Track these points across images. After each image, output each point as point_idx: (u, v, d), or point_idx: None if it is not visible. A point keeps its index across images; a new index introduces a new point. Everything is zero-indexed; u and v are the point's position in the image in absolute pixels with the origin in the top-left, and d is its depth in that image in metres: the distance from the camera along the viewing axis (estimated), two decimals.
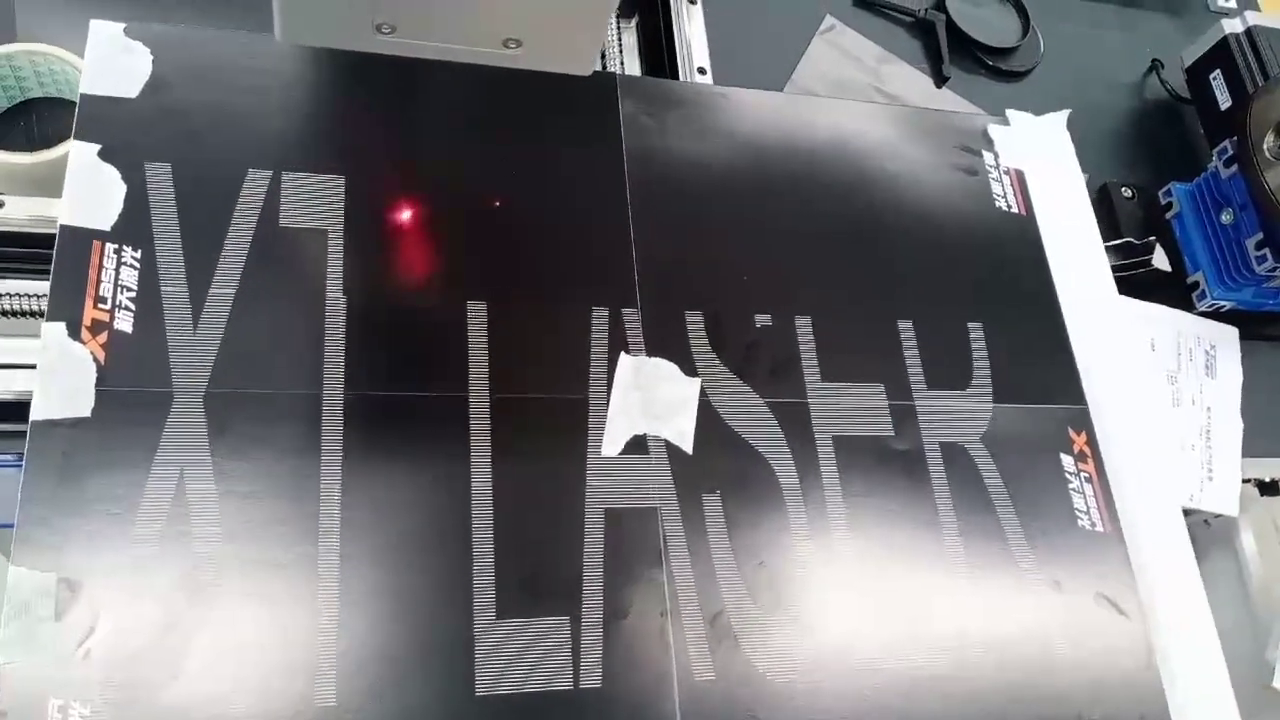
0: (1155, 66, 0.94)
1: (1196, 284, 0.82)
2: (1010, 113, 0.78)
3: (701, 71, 0.76)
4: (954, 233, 0.71)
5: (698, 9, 0.78)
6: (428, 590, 0.51)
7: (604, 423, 0.57)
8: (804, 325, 0.64)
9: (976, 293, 0.69)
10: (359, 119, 0.61)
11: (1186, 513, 0.81)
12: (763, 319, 0.63)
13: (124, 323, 0.53)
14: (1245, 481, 0.78)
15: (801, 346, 0.63)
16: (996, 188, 0.73)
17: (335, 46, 0.44)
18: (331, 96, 0.61)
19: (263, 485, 0.51)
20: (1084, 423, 0.67)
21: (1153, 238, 0.82)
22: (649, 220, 0.63)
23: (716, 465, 0.58)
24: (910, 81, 0.82)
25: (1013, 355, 0.67)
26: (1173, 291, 0.82)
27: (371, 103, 0.62)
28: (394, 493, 0.52)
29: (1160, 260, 0.81)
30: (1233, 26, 0.86)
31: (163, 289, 0.54)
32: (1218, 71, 0.86)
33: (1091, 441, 0.66)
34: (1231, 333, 0.83)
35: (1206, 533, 0.85)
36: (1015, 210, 0.73)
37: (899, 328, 0.65)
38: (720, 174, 0.67)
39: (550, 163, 0.64)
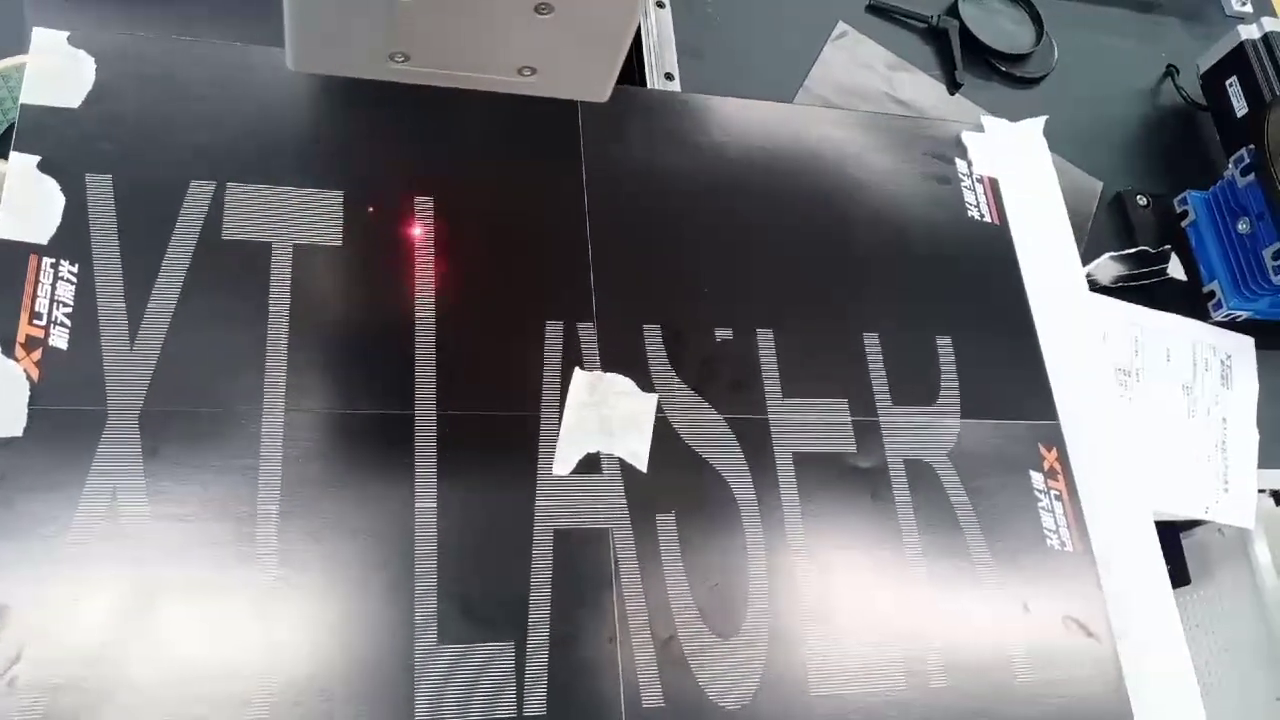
0: (1170, 73, 0.93)
1: (1212, 293, 0.81)
2: (985, 119, 0.76)
3: (669, 77, 0.74)
4: (924, 243, 0.69)
5: (666, 13, 0.77)
6: (368, 615, 0.50)
7: (556, 441, 0.56)
8: (766, 339, 0.62)
9: (946, 304, 0.67)
10: (308, 129, 0.60)
11: (1200, 523, 0.80)
12: (723, 333, 0.62)
13: (59, 339, 0.51)
14: (1261, 492, 0.77)
15: (763, 361, 0.62)
16: (969, 196, 0.72)
17: (348, 75, 0.43)
18: (280, 106, 0.60)
19: (198, 507, 0.50)
20: (1055, 439, 0.65)
21: (1168, 246, 0.81)
22: (607, 232, 0.62)
23: (672, 484, 0.57)
24: (923, 88, 0.81)
25: (983, 369, 0.66)
26: (1188, 301, 0.81)
27: (321, 113, 0.60)
28: (334, 515, 0.51)
29: (1175, 269, 0.80)
30: (1249, 33, 0.84)
31: (99, 304, 0.52)
32: (1234, 78, 0.84)
33: (1063, 458, 0.65)
34: (1247, 343, 0.82)
35: (1221, 543, 0.84)
36: (988, 219, 0.71)
37: (864, 341, 0.64)
38: (683, 184, 0.66)
39: (505, 172, 0.62)
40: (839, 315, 0.65)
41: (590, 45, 0.42)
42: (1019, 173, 0.74)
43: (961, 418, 0.64)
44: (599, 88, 0.46)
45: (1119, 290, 0.79)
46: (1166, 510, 0.73)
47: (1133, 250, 0.80)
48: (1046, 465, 0.64)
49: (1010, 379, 0.66)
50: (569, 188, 0.63)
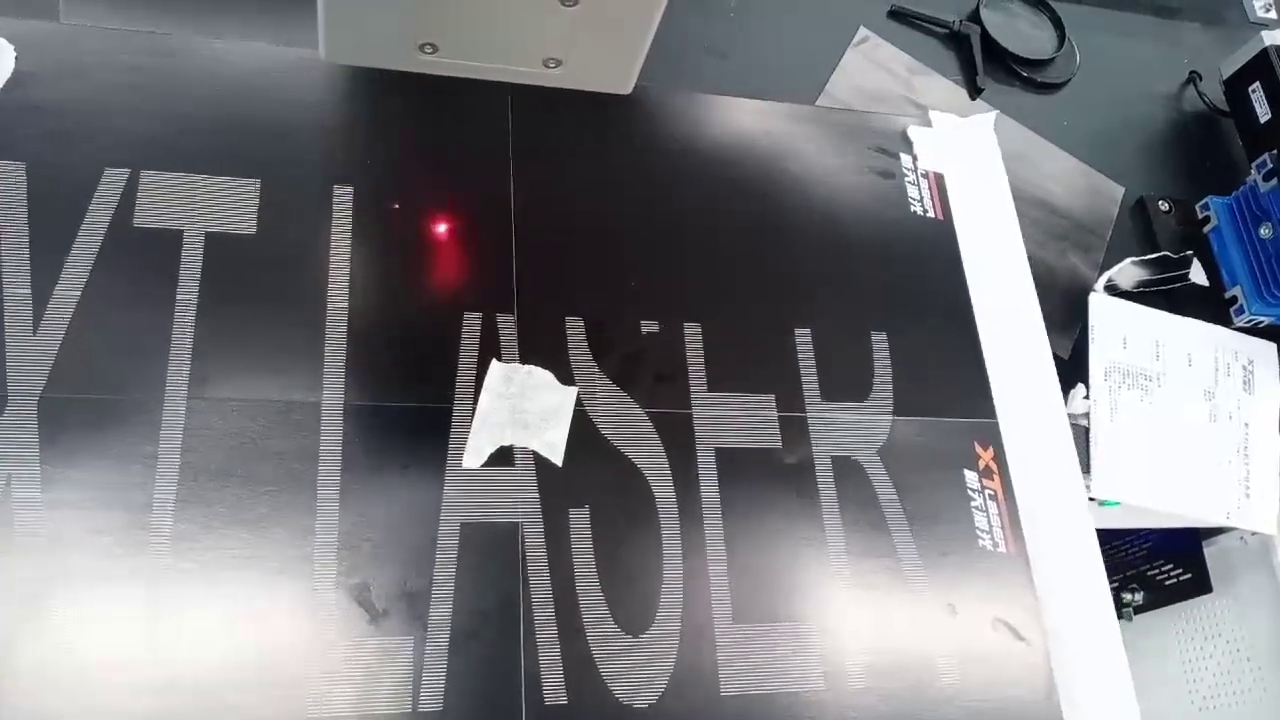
0: (1193, 79, 0.92)
1: (1234, 299, 0.80)
2: (933, 114, 0.75)
3: None
4: (864, 238, 0.68)
5: None
6: (263, 608, 0.49)
7: (468, 433, 0.55)
8: (693, 333, 0.61)
9: (884, 300, 0.66)
10: (228, 118, 0.59)
11: (1223, 530, 0.78)
12: (649, 326, 0.61)
13: None
14: None
15: (689, 355, 0.60)
16: (913, 191, 0.70)
17: (378, 66, 0.44)
18: (201, 95, 0.59)
19: (94, 494, 0.49)
20: (992, 437, 0.63)
21: (1190, 251, 0.80)
22: (533, 223, 0.61)
23: (588, 478, 0.56)
24: (944, 93, 0.81)
25: (919, 365, 0.64)
26: (1210, 306, 0.81)
27: (243, 102, 0.60)
28: (233, 504, 0.50)
29: (1197, 274, 0.80)
30: (1273, 38, 0.83)
31: (4, 290, 0.52)
32: (1257, 84, 0.83)
33: (999, 457, 0.63)
34: (1270, 348, 0.81)
35: (1243, 551, 0.83)
36: (932, 215, 0.70)
37: (795, 336, 0.63)
38: (615, 176, 0.65)
39: (430, 162, 0.62)
40: (771, 310, 0.63)
41: (615, 37, 0.43)
42: (967, 168, 0.73)
43: (894, 414, 0.62)
44: (623, 79, 0.46)
45: (1140, 295, 0.78)
46: (1188, 515, 0.73)
47: (1154, 255, 0.80)
48: (982, 464, 0.62)
49: (948, 376, 0.65)
50: (496, 178, 0.62)
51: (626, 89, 0.47)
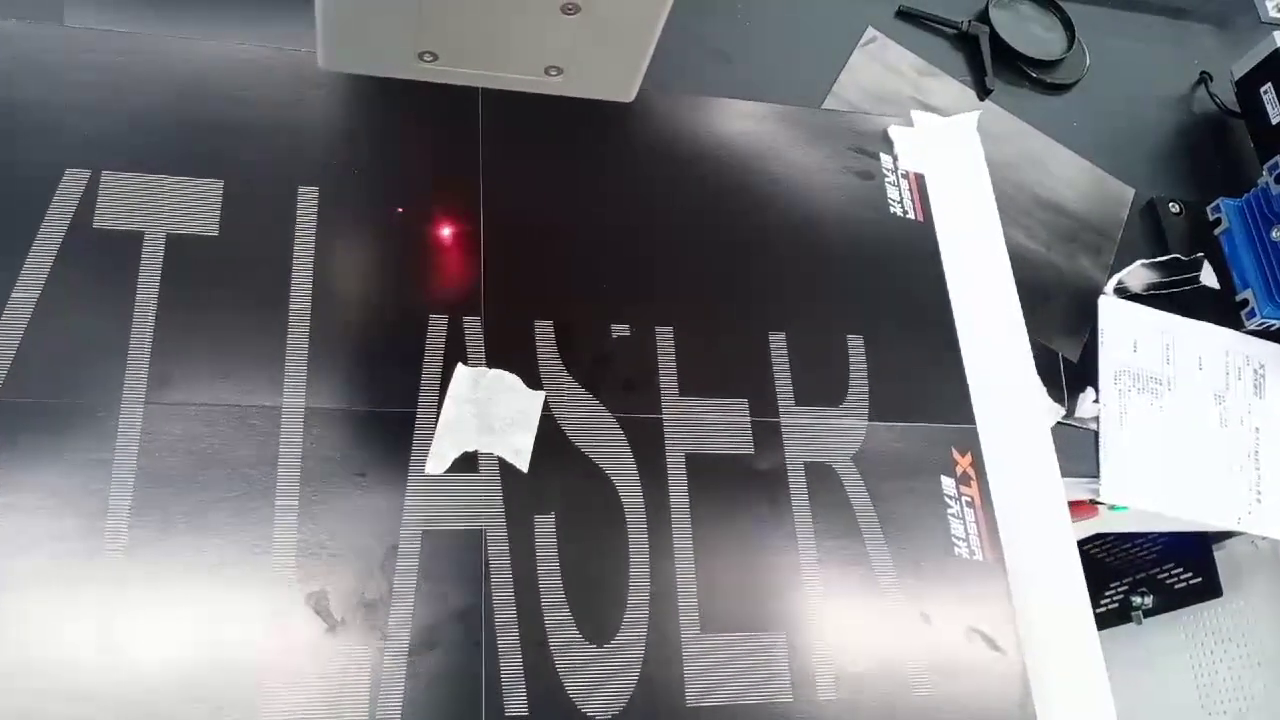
0: (1204, 79, 0.91)
1: (1245, 302, 0.79)
2: (915, 113, 0.74)
3: None
4: (842, 240, 0.67)
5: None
6: (219, 616, 0.48)
7: (431, 439, 0.54)
8: (665, 336, 0.60)
9: (861, 303, 0.65)
10: (193, 118, 0.58)
11: (1233, 535, 0.76)
12: (620, 329, 0.60)
13: None
14: None
15: (661, 358, 0.59)
16: (893, 192, 0.69)
17: (378, 74, 0.44)
18: (164, 95, 0.58)
19: (48, 499, 0.48)
20: (970, 443, 0.62)
21: (1200, 254, 0.79)
22: (503, 225, 0.60)
23: (554, 485, 0.55)
24: (952, 94, 0.80)
25: (896, 370, 0.63)
26: (1221, 309, 0.80)
27: (207, 102, 0.59)
28: (188, 510, 0.49)
29: (1208, 277, 0.79)
30: None
31: None
32: (1269, 84, 0.82)
33: (977, 463, 0.62)
34: None
35: (1254, 554, 0.81)
36: (912, 216, 0.69)
37: (770, 340, 0.62)
38: (586, 176, 0.64)
39: (397, 162, 0.61)
40: (745, 313, 0.62)
41: (617, 45, 0.43)
42: (949, 169, 0.72)
43: (870, 419, 0.61)
44: (625, 87, 0.46)
45: (1151, 298, 0.77)
46: (1198, 520, 0.72)
47: (1165, 258, 0.79)
48: (959, 470, 0.61)
49: (926, 380, 0.64)
50: (464, 179, 0.61)
51: (629, 97, 0.46)
